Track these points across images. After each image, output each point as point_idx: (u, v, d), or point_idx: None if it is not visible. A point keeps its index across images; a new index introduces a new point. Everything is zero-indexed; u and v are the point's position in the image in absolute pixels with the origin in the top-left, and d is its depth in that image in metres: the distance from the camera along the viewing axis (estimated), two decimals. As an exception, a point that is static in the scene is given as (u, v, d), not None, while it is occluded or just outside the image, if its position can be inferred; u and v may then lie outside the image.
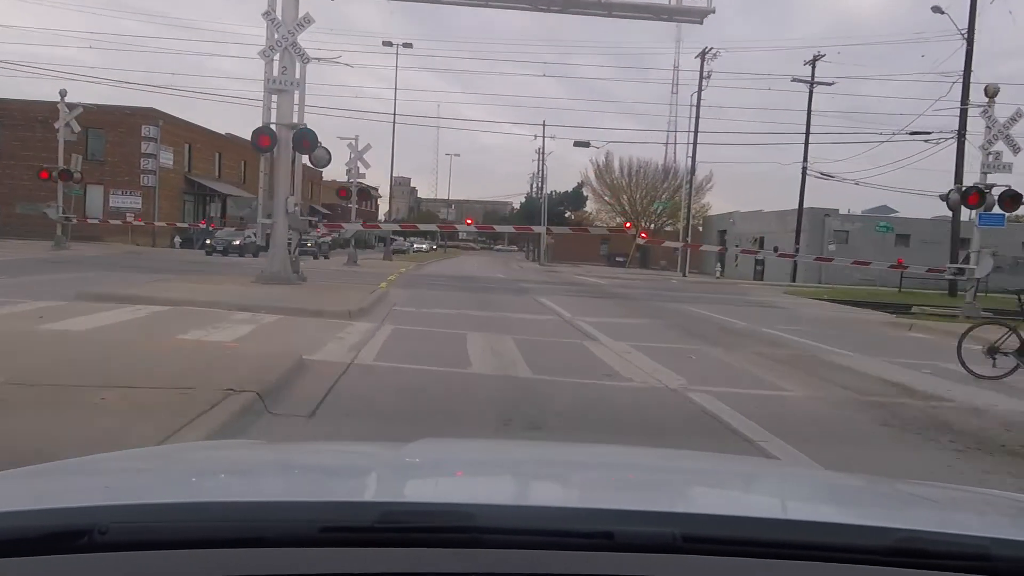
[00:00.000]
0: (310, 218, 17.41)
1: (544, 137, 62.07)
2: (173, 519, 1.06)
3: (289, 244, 17.33)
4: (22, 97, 44.27)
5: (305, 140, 15.62)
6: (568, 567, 1.02)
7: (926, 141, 30.65)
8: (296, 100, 16.41)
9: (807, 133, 42.62)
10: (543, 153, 67.44)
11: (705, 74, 45.90)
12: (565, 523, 1.09)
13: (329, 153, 18.02)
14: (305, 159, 18.17)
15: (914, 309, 23.40)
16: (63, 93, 31.11)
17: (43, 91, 30.31)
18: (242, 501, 1.21)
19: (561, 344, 10.52)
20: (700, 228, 59.56)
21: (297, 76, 16.08)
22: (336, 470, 1.69)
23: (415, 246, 72.46)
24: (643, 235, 18.83)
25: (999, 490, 2.14)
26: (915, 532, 1.14)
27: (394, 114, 41.85)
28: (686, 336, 12.56)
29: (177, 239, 45.29)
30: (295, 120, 16.21)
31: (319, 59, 16.89)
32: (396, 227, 39.41)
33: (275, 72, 15.69)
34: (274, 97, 16.03)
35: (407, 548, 1.02)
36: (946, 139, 29.86)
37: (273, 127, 15.78)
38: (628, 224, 18.97)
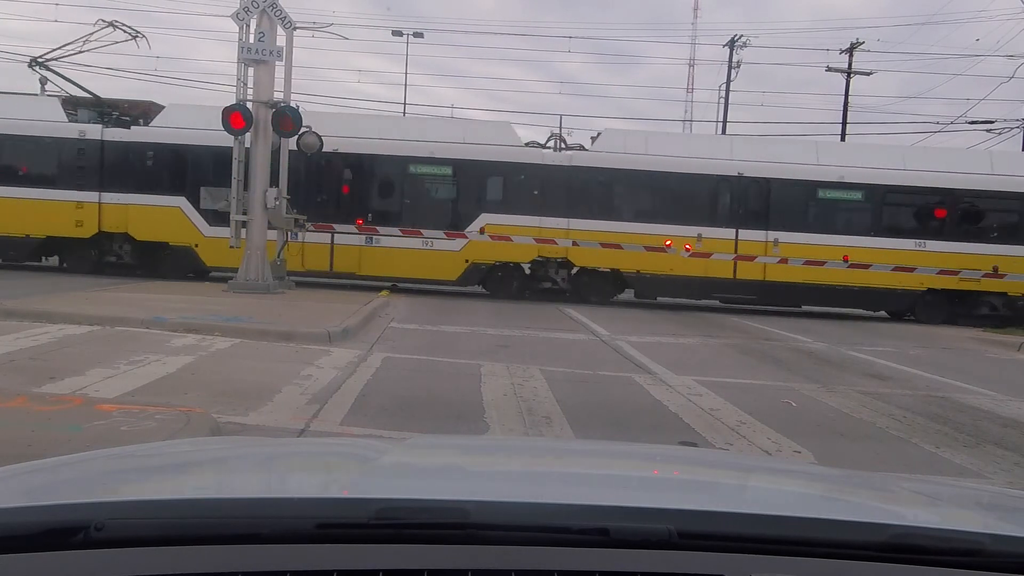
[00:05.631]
0: (296, 216, 14.74)
1: (560, 133, 59.26)
2: (169, 515, 1.05)
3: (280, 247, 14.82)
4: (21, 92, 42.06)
5: (286, 120, 13.00)
6: (564, 563, 1.01)
7: (988, 131, 27.59)
8: (279, 75, 13.86)
9: (844, 124, 39.62)
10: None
11: (734, 63, 43.14)
12: (561, 519, 1.08)
13: (320, 139, 15.35)
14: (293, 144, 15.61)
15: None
16: (43, 81, 28.79)
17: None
18: (238, 498, 1.22)
19: (607, 381, 7.84)
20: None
21: (280, 45, 13.48)
22: (332, 466, 1.66)
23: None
24: (687, 247, 16.25)
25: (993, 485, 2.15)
26: (910, 528, 1.16)
27: (404, 103, 39.28)
28: (758, 363, 9.85)
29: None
30: (278, 98, 13.65)
31: (306, 26, 14.25)
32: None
33: (251, 39, 13.08)
34: (251, 70, 13.44)
35: (403, 544, 1.02)
36: (1010, 128, 26.85)
37: (249, 105, 13.16)
38: (668, 242, 16.37)
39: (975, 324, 16.38)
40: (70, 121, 17.14)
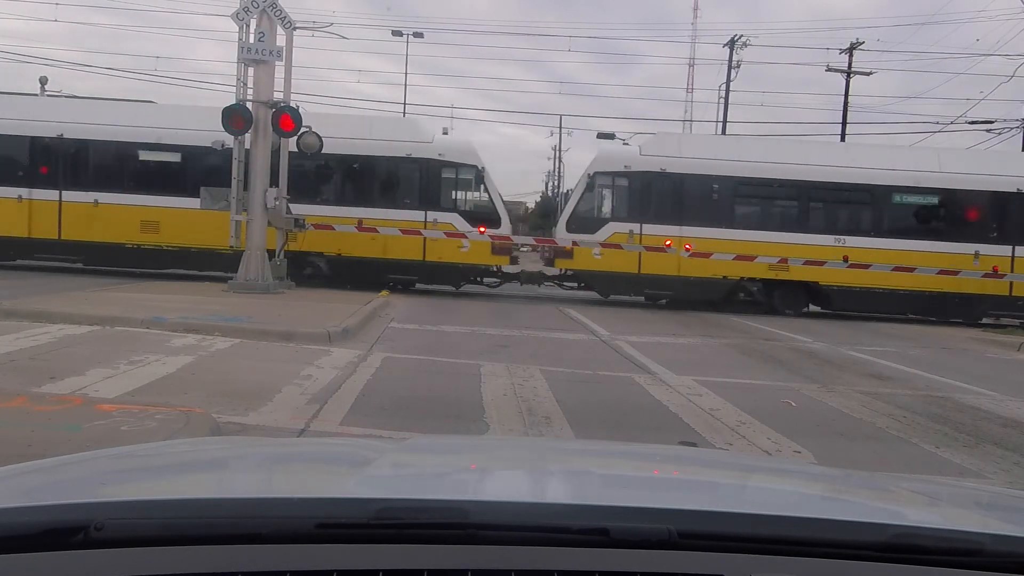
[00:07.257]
0: (296, 216, 14.73)
1: (560, 133, 59.23)
2: (169, 515, 1.05)
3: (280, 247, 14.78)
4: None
5: (286, 119, 13.00)
6: (564, 563, 1.01)
7: (988, 131, 27.57)
8: (279, 75, 13.86)
9: (844, 123, 39.59)
10: (559, 150, 64.61)
11: (734, 64, 43.11)
12: (561, 519, 1.08)
13: (320, 139, 15.31)
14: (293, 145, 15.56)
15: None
16: (43, 81, 28.77)
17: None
18: (238, 498, 1.23)
19: (607, 381, 7.85)
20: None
21: (279, 45, 13.48)
22: (332, 466, 1.65)
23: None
24: (687, 247, 16.20)
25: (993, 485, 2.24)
26: (910, 528, 1.17)
27: (404, 103, 39.29)
28: (758, 363, 9.85)
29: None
30: (278, 98, 13.65)
31: (306, 26, 14.25)
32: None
33: (251, 39, 13.08)
34: (250, 70, 13.44)
35: (402, 544, 1.02)
36: (1010, 128, 26.84)
37: (249, 105, 13.17)
38: (668, 242, 16.28)
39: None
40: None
